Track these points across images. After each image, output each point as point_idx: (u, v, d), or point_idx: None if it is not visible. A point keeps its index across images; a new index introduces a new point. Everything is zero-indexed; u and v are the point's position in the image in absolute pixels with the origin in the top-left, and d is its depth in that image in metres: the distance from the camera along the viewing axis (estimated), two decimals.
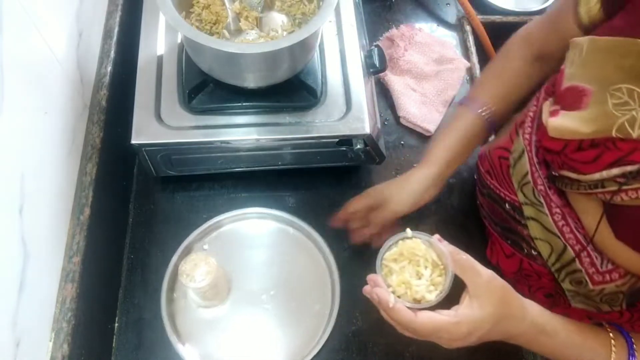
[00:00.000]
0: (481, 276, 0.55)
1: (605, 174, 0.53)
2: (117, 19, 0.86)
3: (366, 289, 0.60)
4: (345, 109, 0.78)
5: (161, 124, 0.75)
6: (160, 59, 0.80)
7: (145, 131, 0.74)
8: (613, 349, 0.58)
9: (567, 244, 0.64)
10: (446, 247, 0.57)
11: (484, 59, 1.08)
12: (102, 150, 0.76)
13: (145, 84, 0.77)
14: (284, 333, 0.76)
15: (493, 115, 0.75)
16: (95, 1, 0.84)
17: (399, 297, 0.57)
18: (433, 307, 0.57)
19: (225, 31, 0.77)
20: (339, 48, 0.84)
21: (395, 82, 0.98)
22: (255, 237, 0.83)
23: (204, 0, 0.80)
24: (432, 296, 0.56)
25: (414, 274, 0.58)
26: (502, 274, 0.59)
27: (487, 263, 0.82)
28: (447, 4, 1.13)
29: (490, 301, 0.54)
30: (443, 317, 0.54)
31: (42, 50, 0.65)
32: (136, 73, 0.78)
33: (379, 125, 0.84)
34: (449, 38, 1.08)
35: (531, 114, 0.69)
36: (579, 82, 0.55)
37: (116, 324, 0.76)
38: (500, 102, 0.76)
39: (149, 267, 0.80)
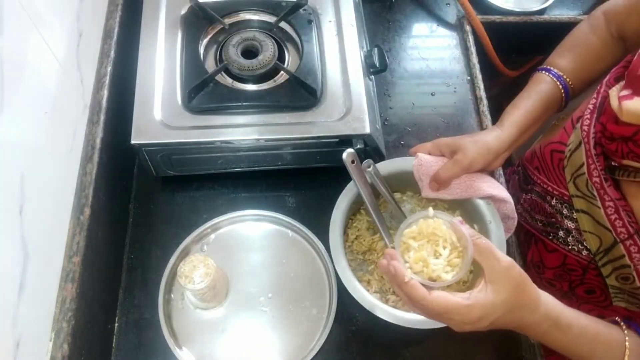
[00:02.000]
0: (499, 262, 0.54)
1: None
2: (117, 19, 0.86)
3: (382, 263, 0.58)
4: (345, 109, 0.78)
5: (161, 124, 0.75)
6: (160, 59, 0.80)
7: (145, 131, 0.74)
8: (627, 344, 0.57)
9: (617, 238, 0.63)
10: (467, 230, 0.56)
11: (484, 59, 1.08)
12: (102, 150, 0.76)
13: (145, 84, 0.77)
14: (281, 336, 0.76)
15: (569, 87, 0.74)
16: (95, 1, 0.84)
17: (415, 274, 0.56)
18: (446, 289, 0.56)
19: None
20: (339, 48, 0.84)
21: None
22: (254, 240, 0.83)
23: (352, 234, 0.79)
24: (449, 276, 0.55)
25: (431, 253, 0.57)
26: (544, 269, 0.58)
27: (525, 263, 0.84)
28: (447, 4, 1.13)
29: (506, 288, 0.53)
30: (456, 298, 0.53)
31: (42, 50, 0.65)
32: (136, 73, 0.78)
33: (378, 125, 0.84)
34: (449, 38, 1.08)
35: (590, 106, 0.68)
36: None
37: (116, 324, 0.76)
38: (577, 76, 0.74)
39: (149, 267, 0.80)
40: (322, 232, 0.81)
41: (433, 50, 1.07)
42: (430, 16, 1.12)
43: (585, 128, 0.67)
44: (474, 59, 1.04)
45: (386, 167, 0.77)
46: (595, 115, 0.66)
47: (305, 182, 0.88)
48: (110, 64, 0.82)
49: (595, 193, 0.65)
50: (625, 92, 0.58)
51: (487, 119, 0.97)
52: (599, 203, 0.64)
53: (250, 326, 0.76)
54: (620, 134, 0.58)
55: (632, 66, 0.59)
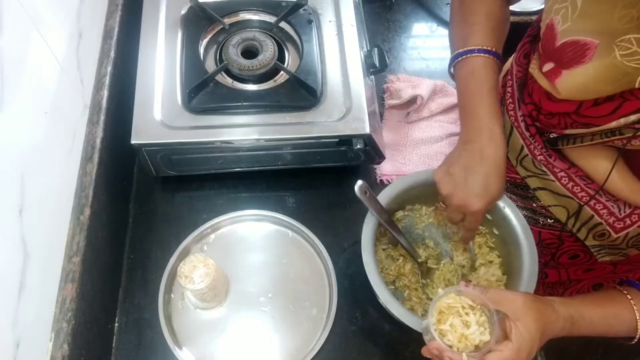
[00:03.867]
0: (516, 301, 0.58)
1: (622, 121, 0.54)
2: (117, 19, 0.86)
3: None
4: (345, 109, 0.78)
5: (161, 124, 0.75)
6: (160, 59, 0.80)
7: (145, 131, 0.74)
8: (634, 307, 0.61)
9: (580, 202, 0.65)
10: (474, 289, 0.60)
11: None
12: (102, 150, 0.76)
13: (145, 84, 0.77)
14: (282, 336, 0.76)
15: (498, 54, 0.68)
16: (95, 1, 0.84)
17: (462, 352, 0.58)
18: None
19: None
20: (339, 48, 0.84)
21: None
22: (254, 239, 0.83)
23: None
24: (487, 336, 0.58)
25: (461, 324, 0.60)
26: None
27: None
28: (447, 4, 1.13)
29: (531, 319, 0.57)
30: (506, 350, 0.57)
31: (42, 50, 0.65)
32: (136, 73, 0.78)
33: (379, 125, 0.84)
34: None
35: (509, 89, 0.68)
36: (580, 36, 0.54)
37: (116, 324, 0.76)
38: (496, 42, 0.69)
39: (149, 267, 0.80)
40: (322, 232, 0.81)
41: (433, 50, 1.07)
42: (430, 16, 1.12)
43: (512, 113, 0.67)
44: None
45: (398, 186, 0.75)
46: (516, 97, 0.66)
47: (305, 182, 0.88)
48: (110, 64, 0.82)
49: (544, 169, 0.67)
50: (548, 67, 0.58)
51: None
52: (551, 177, 0.66)
53: (250, 326, 0.76)
54: (560, 111, 0.59)
55: (544, 41, 0.59)
